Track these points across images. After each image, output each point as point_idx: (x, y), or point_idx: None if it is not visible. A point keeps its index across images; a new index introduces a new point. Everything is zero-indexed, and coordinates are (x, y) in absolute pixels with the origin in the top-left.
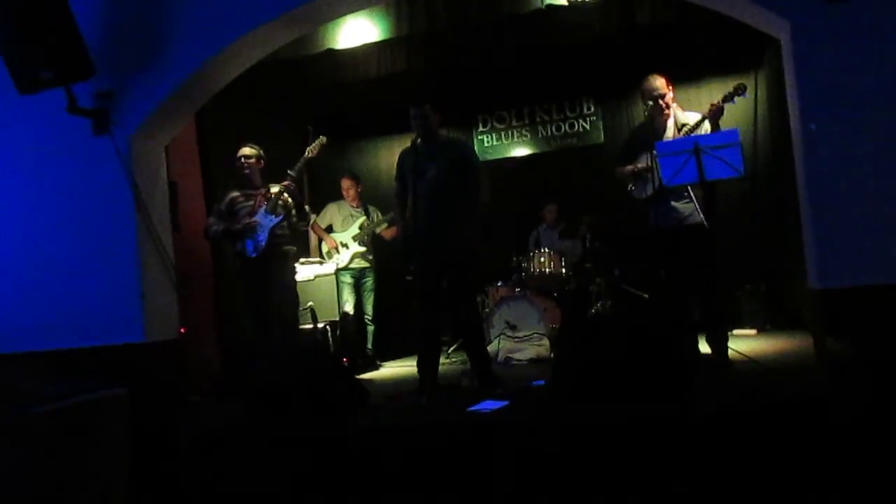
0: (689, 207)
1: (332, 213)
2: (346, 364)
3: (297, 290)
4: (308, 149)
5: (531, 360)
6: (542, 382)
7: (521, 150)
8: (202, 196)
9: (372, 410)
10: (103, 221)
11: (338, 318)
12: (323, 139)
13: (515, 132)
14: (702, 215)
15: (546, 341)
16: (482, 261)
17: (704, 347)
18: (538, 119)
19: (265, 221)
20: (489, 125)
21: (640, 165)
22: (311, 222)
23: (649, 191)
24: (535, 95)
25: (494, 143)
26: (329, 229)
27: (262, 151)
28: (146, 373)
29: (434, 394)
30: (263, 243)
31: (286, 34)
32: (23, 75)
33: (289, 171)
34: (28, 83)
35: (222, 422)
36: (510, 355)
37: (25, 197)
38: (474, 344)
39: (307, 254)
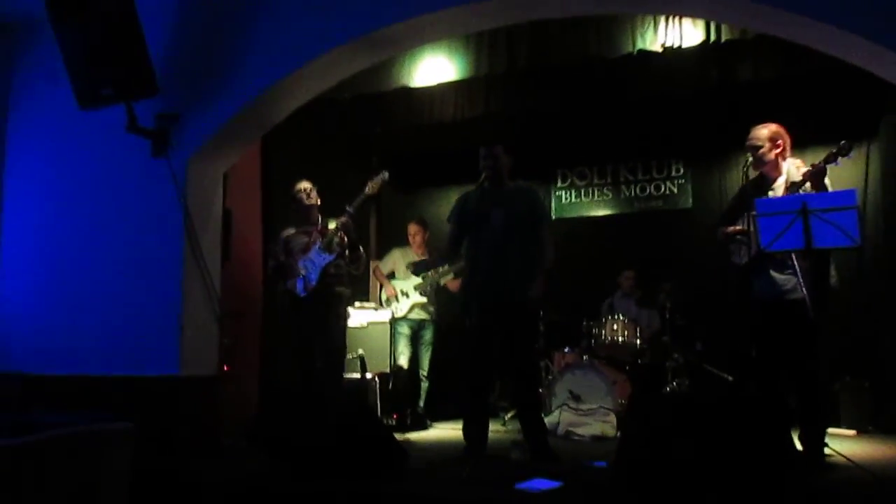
0: (791, 280)
1: (395, 259)
2: (391, 421)
3: (348, 335)
4: (369, 185)
5: (594, 437)
6: (603, 464)
7: (601, 210)
8: (260, 227)
9: (408, 476)
10: (151, 245)
11: (388, 370)
12: (385, 175)
13: (596, 190)
14: (804, 291)
15: (613, 417)
16: (549, 325)
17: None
18: (622, 178)
19: (318, 259)
20: (569, 181)
21: (737, 227)
22: (374, 268)
23: (745, 257)
24: (620, 152)
25: (573, 200)
26: (391, 276)
27: (315, 187)
28: (177, 409)
29: (479, 464)
30: (314, 282)
31: (355, 62)
32: (85, 90)
33: (347, 207)
34: (89, 98)
35: (244, 471)
36: (571, 429)
37: (76, 213)
38: (530, 413)
39: (366, 298)
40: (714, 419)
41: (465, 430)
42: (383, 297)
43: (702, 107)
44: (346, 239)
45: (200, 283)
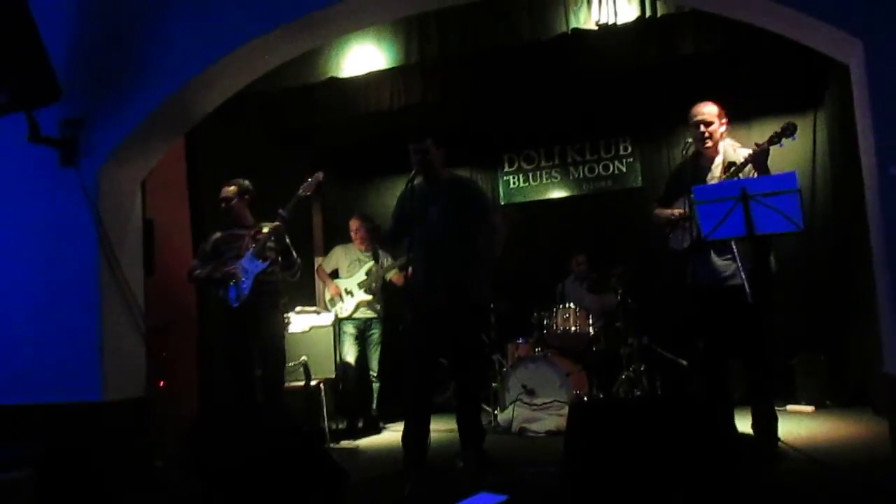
0: (731, 266)
1: (338, 257)
2: (343, 426)
3: (290, 343)
4: (303, 186)
5: (549, 433)
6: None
7: (550, 193)
8: (189, 236)
9: (345, 500)
10: (64, 262)
11: (334, 375)
12: (320, 176)
13: (545, 173)
14: (743, 276)
15: (567, 410)
16: (501, 315)
17: (746, 426)
18: (570, 160)
19: (251, 267)
20: (516, 165)
21: (677, 211)
22: (318, 267)
23: (686, 242)
24: (567, 134)
25: (521, 184)
26: (335, 275)
27: (247, 185)
28: (101, 436)
29: (421, 478)
30: (247, 292)
31: (278, 53)
32: None
33: (280, 211)
34: None
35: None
36: (526, 425)
37: None
38: (469, 416)
39: (313, 302)
40: (653, 423)
41: (404, 440)
42: (327, 297)
43: (645, 83)
44: (279, 245)
45: (120, 300)
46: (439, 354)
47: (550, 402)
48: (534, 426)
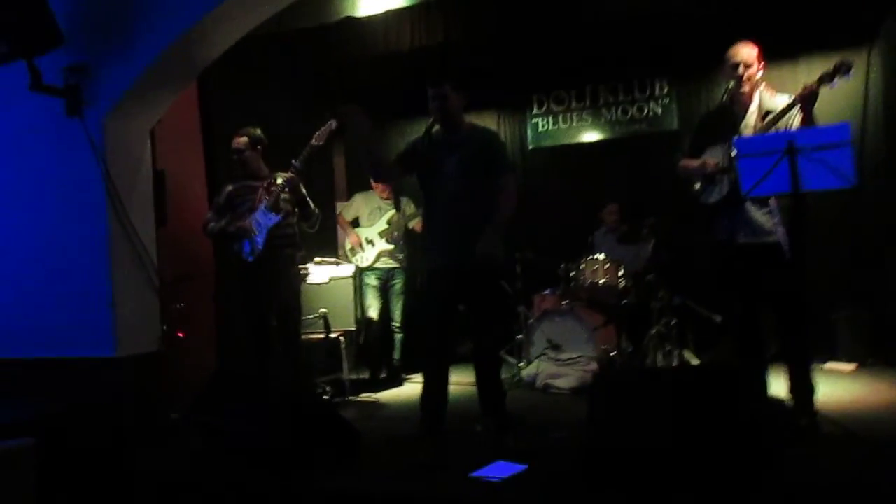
0: (768, 221)
1: (358, 205)
2: (365, 376)
3: (309, 295)
4: (316, 135)
5: (574, 390)
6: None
7: (581, 137)
8: (203, 186)
9: (355, 462)
10: (71, 214)
11: (354, 328)
12: (333, 124)
13: (575, 115)
14: (779, 231)
15: (594, 366)
16: (527, 265)
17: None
18: (602, 101)
19: (264, 220)
20: (545, 107)
21: (710, 161)
22: (339, 213)
23: (723, 192)
24: (599, 72)
25: (550, 127)
26: (355, 223)
27: (259, 134)
28: (113, 391)
29: (437, 443)
30: (261, 246)
31: None
32: None
33: (293, 162)
34: None
35: (178, 459)
36: (550, 381)
37: None
38: (487, 378)
39: (335, 251)
40: (684, 397)
41: (421, 402)
42: (347, 247)
43: (684, 19)
44: (294, 196)
45: (131, 253)
46: (455, 312)
47: (577, 358)
48: (558, 382)
